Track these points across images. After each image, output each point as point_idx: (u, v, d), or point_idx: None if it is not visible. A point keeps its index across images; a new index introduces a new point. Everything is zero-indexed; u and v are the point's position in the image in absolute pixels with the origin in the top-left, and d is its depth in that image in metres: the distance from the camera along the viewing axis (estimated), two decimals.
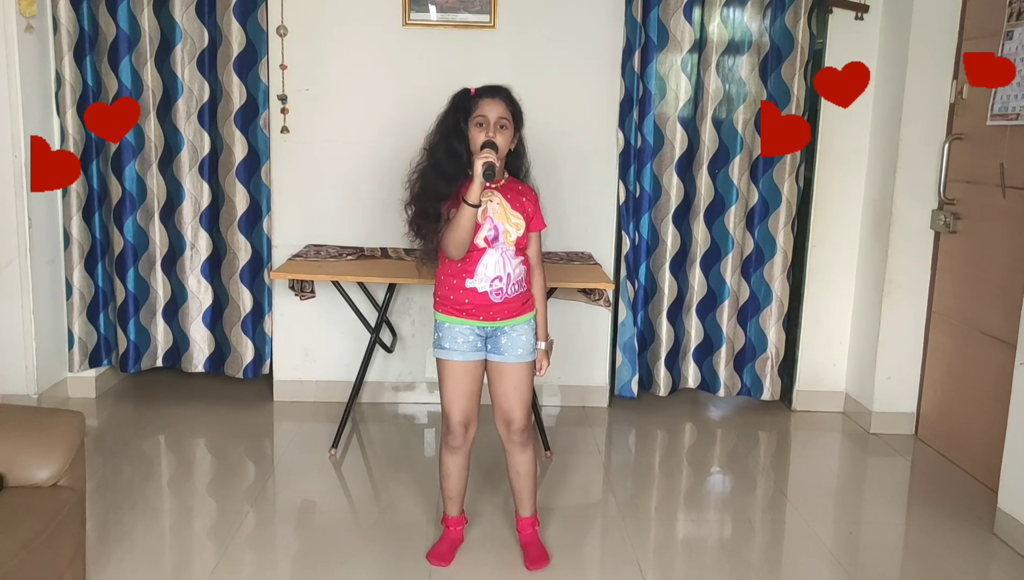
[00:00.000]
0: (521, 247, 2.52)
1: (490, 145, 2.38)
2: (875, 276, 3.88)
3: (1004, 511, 2.94)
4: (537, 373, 2.63)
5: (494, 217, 2.46)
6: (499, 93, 2.47)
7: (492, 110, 2.43)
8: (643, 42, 3.75)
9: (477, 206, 2.38)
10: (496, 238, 2.47)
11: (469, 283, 2.48)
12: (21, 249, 3.61)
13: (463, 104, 2.47)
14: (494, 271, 2.47)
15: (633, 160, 3.85)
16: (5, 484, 2.00)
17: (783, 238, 3.91)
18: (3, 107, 3.50)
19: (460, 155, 2.46)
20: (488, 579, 2.61)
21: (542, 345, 2.62)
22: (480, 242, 2.46)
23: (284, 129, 3.86)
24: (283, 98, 3.84)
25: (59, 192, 3.77)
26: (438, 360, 2.56)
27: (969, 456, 3.51)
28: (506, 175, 2.54)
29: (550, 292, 3.43)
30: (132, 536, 2.76)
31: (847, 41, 3.86)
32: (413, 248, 3.84)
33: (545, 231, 2.66)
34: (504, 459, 2.68)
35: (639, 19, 3.73)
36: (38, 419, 2.19)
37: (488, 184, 2.37)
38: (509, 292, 2.50)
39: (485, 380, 2.61)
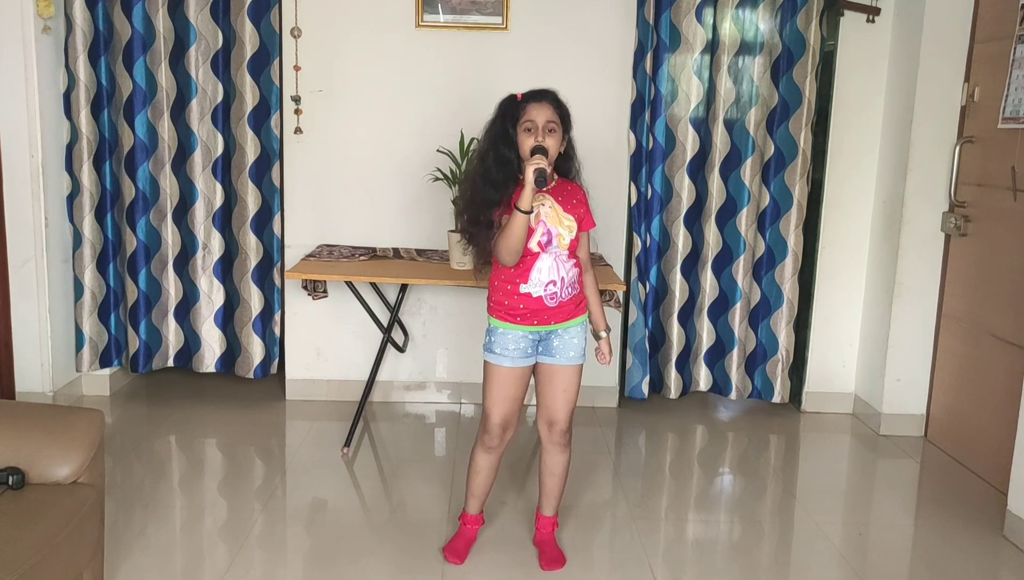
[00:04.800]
0: (573, 249, 2.52)
1: (540, 150, 2.37)
2: (885, 278, 3.89)
3: (1014, 513, 2.95)
4: (605, 361, 2.66)
5: (547, 221, 2.45)
6: (546, 97, 2.45)
7: (540, 114, 2.41)
8: (655, 44, 3.77)
9: (529, 213, 2.37)
10: (550, 242, 2.46)
11: (523, 288, 2.48)
12: (38, 248, 3.65)
13: (510, 110, 2.45)
14: (548, 276, 2.47)
15: (644, 162, 3.87)
16: (27, 481, 2.03)
17: (794, 240, 3.92)
18: (20, 108, 3.54)
19: (510, 161, 2.43)
20: (501, 578, 2.63)
21: (603, 334, 2.64)
22: (534, 247, 2.45)
23: (297, 130, 3.89)
24: (296, 99, 3.86)
25: (69, 192, 3.80)
26: (486, 363, 2.56)
27: (979, 458, 3.52)
28: (555, 177, 2.54)
29: None
30: (145, 535, 2.79)
31: (859, 43, 3.87)
32: (425, 248, 3.91)
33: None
34: (539, 457, 2.70)
35: (651, 21, 3.74)
36: (59, 417, 2.21)
37: (540, 190, 2.37)
38: (563, 296, 2.50)
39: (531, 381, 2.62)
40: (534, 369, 2.59)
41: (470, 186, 2.55)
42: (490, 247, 2.47)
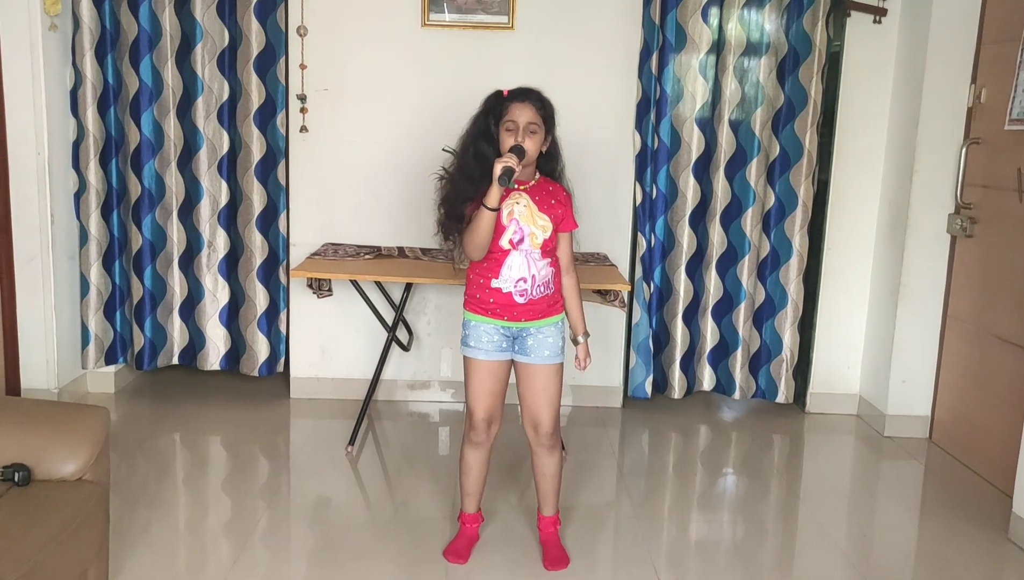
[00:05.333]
0: (548, 249, 2.52)
1: (517, 150, 2.38)
2: (890, 279, 3.88)
3: (1019, 516, 2.94)
4: (581, 368, 2.65)
5: (520, 219, 2.46)
6: (529, 97, 2.45)
7: (522, 114, 2.42)
8: (661, 44, 3.76)
9: (495, 210, 2.39)
10: (521, 241, 2.47)
11: (494, 283, 2.50)
12: (43, 245, 3.66)
13: (495, 107, 2.46)
14: (518, 272, 2.48)
15: (650, 162, 3.86)
16: (33, 478, 2.04)
17: (799, 241, 3.91)
18: (27, 105, 3.54)
19: (488, 158, 2.43)
20: (504, 577, 2.63)
21: (581, 338, 2.64)
22: (505, 244, 2.47)
23: (303, 128, 3.89)
24: (302, 98, 3.86)
25: (76, 190, 3.81)
26: (464, 358, 2.58)
27: (984, 460, 3.51)
28: (537, 176, 2.55)
29: None
30: (150, 532, 2.79)
31: (865, 44, 3.87)
32: (430, 248, 3.92)
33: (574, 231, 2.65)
34: (530, 459, 2.70)
35: (657, 21, 3.74)
36: (64, 414, 2.22)
37: (507, 188, 2.37)
38: (534, 294, 2.51)
39: (512, 379, 2.63)
40: (515, 371, 2.60)
41: (448, 181, 2.57)
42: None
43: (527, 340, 2.55)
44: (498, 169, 2.34)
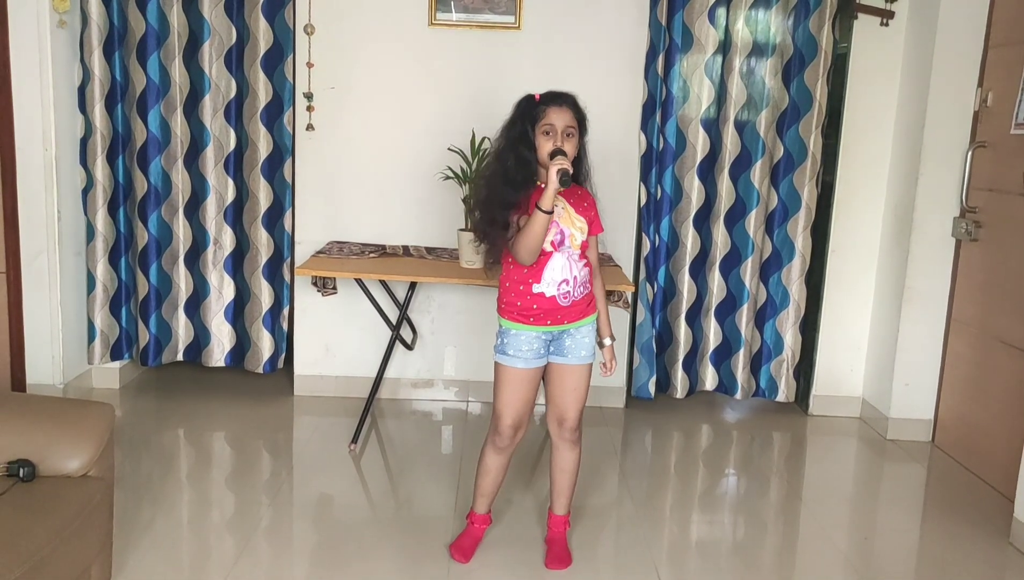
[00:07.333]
0: (583, 250, 2.54)
1: (560, 153, 2.38)
2: (895, 282, 3.88)
3: (1021, 521, 2.94)
4: (607, 373, 2.67)
5: (559, 221, 2.47)
6: (566, 101, 2.45)
7: (559, 118, 2.42)
8: (667, 45, 3.77)
9: (549, 213, 2.38)
10: (563, 242, 2.48)
11: (536, 288, 2.49)
12: (50, 241, 3.67)
13: (529, 111, 2.45)
14: (561, 274, 2.48)
15: (655, 162, 3.87)
16: (38, 473, 2.05)
17: (802, 242, 3.91)
18: (35, 101, 3.55)
19: (530, 163, 2.43)
20: (506, 577, 2.64)
21: (608, 341, 2.65)
22: (547, 246, 2.46)
23: (310, 127, 3.90)
24: (309, 96, 3.87)
25: (84, 186, 3.83)
26: (498, 365, 2.57)
27: (986, 464, 3.51)
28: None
29: None
30: (153, 528, 2.80)
31: (872, 47, 3.86)
32: (435, 246, 3.92)
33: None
34: (549, 455, 2.71)
35: (663, 21, 3.74)
36: (70, 410, 2.23)
37: (562, 190, 2.38)
38: (576, 294, 2.52)
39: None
40: (546, 369, 2.60)
41: (486, 185, 2.55)
42: (504, 247, 2.48)
43: (565, 341, 2.55)
44: (555, 172, 2.34)
